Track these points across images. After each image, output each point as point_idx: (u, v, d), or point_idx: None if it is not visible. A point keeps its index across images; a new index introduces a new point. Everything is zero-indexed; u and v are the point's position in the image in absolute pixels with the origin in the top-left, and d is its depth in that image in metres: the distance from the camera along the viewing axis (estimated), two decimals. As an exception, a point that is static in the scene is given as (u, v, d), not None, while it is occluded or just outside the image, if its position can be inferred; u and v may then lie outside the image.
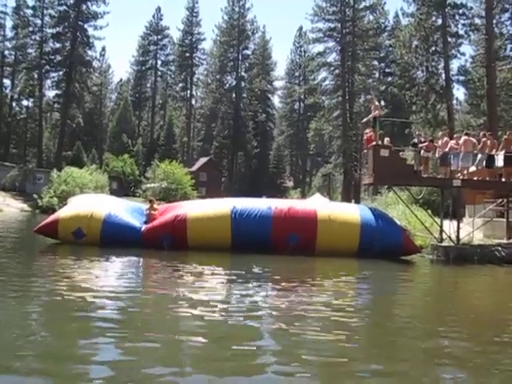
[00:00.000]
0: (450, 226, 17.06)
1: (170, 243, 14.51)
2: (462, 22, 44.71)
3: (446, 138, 17.92)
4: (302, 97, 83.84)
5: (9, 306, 6.68)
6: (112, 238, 14.49)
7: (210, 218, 15.18)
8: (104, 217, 15.07)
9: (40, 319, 6.23)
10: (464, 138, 17.03)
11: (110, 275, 10.06)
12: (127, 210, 16.02)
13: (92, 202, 16.33)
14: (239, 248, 14.58)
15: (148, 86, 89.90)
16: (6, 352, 4.73)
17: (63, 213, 15.79)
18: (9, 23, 70.01)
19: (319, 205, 17.10)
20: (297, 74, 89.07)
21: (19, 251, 13.91)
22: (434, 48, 45.18)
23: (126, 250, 13.52)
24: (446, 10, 43.13)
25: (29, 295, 7.44)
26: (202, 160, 74.13)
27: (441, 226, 17.19)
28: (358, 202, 51.23)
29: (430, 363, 5.14)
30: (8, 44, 70.19)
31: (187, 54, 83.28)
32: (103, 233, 14.85)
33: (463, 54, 46.39)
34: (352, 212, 16.08)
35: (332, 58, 58.94)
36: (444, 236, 17.10)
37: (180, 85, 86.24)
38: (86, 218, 15.04)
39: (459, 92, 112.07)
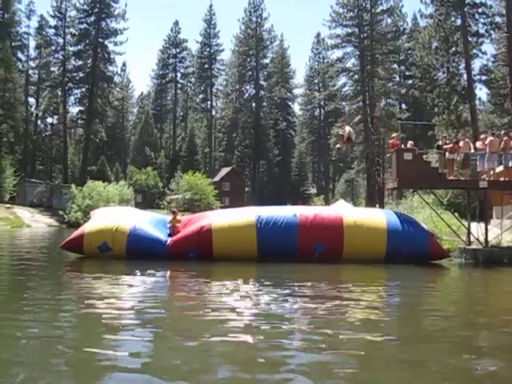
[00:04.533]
0: (477, 228, 16.77)
1: (195, 255, 14.58)
2: (482, 20, 44.23)
3: (466, 140, 17.67)
4: (322, 103, 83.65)
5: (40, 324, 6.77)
6: (137, 251, 14.55)
7: (235, 227, 15.15)
8: (129, 230, 15.10)
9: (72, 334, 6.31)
10: (490, 138, 16.75)
11: (136, 288, 10.12)
12: (151, 223, 16.06)
13: (116, 215, 16.40)
14: (265, 257, 14.52)
15: (168, 98, 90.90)
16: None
17: (88, 227, 15.77)
18: (32, 43, 71.78)
19: (344, 210, 16.96)
20: (316, 80, 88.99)
21: (47, 269, 13.99)
22: (454, 48, 44.72)
23: (152, 263, 13.59)
24: (465, 9, 42.70)
25: (58, 311, 7.53)
26: (225, 170, 74.45)
27: (468, 229, 16.91)
28: (382, 206, 50.75)
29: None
30: (32, 63, 72.06)
31: (206, 66, 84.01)
32: (129, 246, 14.89)
33: (485, 53, 45.63)
34: (378, 217, 15.80)
35: (351, 63, 58.83)
36: (472, 239, 16.82)
37: (200, 96, 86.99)
38: (110, 231, 15.09)
39: (482, 92, 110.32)
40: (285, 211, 16.07)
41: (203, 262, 14.20)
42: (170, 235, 15.64)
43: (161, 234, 15.46)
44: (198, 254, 14.62)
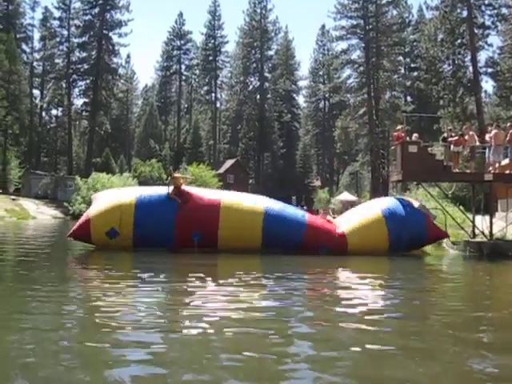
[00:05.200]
0: (482, 221, 16.76)
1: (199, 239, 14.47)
2: (488, 12, 44.05)
3: (471, 133, 17.61)
4: (327, 95, 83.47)
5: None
6: (146, 225, 14.44)
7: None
8: (135, 201, 14.87)
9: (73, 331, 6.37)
10: (494, 131, 16.69)
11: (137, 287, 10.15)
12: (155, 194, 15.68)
13: (118, 194, 15.97)
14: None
15: (173, 90, 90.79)
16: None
17: (93, 212, 15.20)
18: (36, 35, 71.86)
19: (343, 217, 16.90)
20: (321, 72, 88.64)
21: (51, 260, 14.01)
22: (460, 40, 44.52)
23: (159, 253, 13.63)
24: (472, 0, 42.46)
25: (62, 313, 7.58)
26: (229, 162, 74.43)
27: (473, 222, 16.90)
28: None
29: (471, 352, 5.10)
30: (36, 55, 72.13)
31: (211, 58, 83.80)
32: (136, 219, 14.61)
33: (491, 45, 45.42)
34: (374, 210, 15.70)
35: (356, 55, 58.66)
36: (476, 231, 16.81)
37: (204, 88, 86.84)
38: (118, 210, 14.74)
39: (488, 84, 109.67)
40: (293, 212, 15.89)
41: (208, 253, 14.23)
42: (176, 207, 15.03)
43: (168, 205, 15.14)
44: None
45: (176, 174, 16.60)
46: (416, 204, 16.47)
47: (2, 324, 6.01)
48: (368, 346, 5.34)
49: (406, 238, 14.95)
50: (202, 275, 10.05)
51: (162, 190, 15.76)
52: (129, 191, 16.34)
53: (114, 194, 16.04)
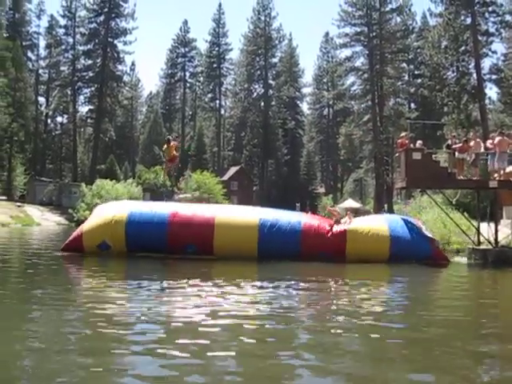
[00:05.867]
0: (487, 228, 16.68)
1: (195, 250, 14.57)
2: (492, 19, 44.03)
3: (477, 140, 17.58)
4: (331, 102, 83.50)
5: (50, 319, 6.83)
6: (138, 236, 14.58)
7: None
8: (126, 218, 15.03)
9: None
10: (498, 138, 16.65)
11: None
12: (150, 207, 16.04)
13: (113, 208, 16.29)
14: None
15: (177, 97, 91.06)
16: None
17: (85, 226, 15.56)
18: (42, 43, 72.37)
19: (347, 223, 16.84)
20: (325, 79, 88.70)
21: (54, 265, 14.01)
22: (464, 47, 44.52)
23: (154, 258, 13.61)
24: (475, 7, 42.48)
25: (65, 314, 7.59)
26: (233, 169, 74.48)
27: (478, 229, 16.84)
28: (390, 206, 50.64)
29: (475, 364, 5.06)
30: (42, 63, 72.56)
31: (215, 65, 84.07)
32: (128, 231, 14.79)
33: (495, 52, 45.37)
34: (381, 226, 15.55)
35: (360, 62, 58.65)
36: (481, 239, 16.74)
37: (209, 95, 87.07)
38: (109, 225, 14.97)
39: (492, 91, 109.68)
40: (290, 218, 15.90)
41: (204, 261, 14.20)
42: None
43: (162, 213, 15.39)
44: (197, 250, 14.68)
45: (172, 142, 17.10)
46: (423, 227, 16.23)
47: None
48: (369, 353, 5.33)
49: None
50: (199, 279, 10.05)
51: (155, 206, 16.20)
52: (123, 204, 16.78)
53: (109, 207, 16.45)
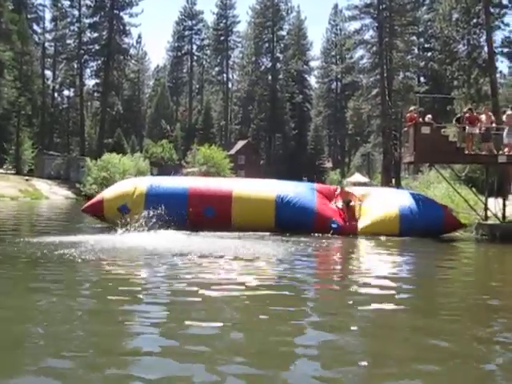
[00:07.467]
0: (495, 203, 16.64)
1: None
2: (505, -10, 43.01)
3: (489, 113, 17.39)
4: (339, 76, 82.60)
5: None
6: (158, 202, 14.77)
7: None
8: (147, 187, 15.88)
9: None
10: (508, 112, 16.48)
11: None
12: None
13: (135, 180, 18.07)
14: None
15: (184, 71, 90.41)
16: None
17: (107, 193, 16.69)
18: (48, 15, 71.72)
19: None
20: (333, 53, 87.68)
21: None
22: (475, 20, 43.71)
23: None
24: (488, -21, 41.45)
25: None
26: (240, 143, 74.31)
27: (485, 204, 16.79)
28: (398, 181, 50.52)
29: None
30: (48, 36, 71.98)
31: (222, 38, 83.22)
32: (148, 198, 15.37)
33: (507, 25, 44.50)
34: (391, 200, 15.98)
35: (369, 35, 57.62)
36: (489, 214, 16.71)
37: (216, 69, 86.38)
38: (130, 190, 15.89)
39: (503, 65, 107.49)
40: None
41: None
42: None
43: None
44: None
45: None
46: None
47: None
48: (382, 324, 5.38)
49: (420, 225, 14.95)
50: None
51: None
52: (144, 178, 18.61)
53: (130, 181, 18.11)
